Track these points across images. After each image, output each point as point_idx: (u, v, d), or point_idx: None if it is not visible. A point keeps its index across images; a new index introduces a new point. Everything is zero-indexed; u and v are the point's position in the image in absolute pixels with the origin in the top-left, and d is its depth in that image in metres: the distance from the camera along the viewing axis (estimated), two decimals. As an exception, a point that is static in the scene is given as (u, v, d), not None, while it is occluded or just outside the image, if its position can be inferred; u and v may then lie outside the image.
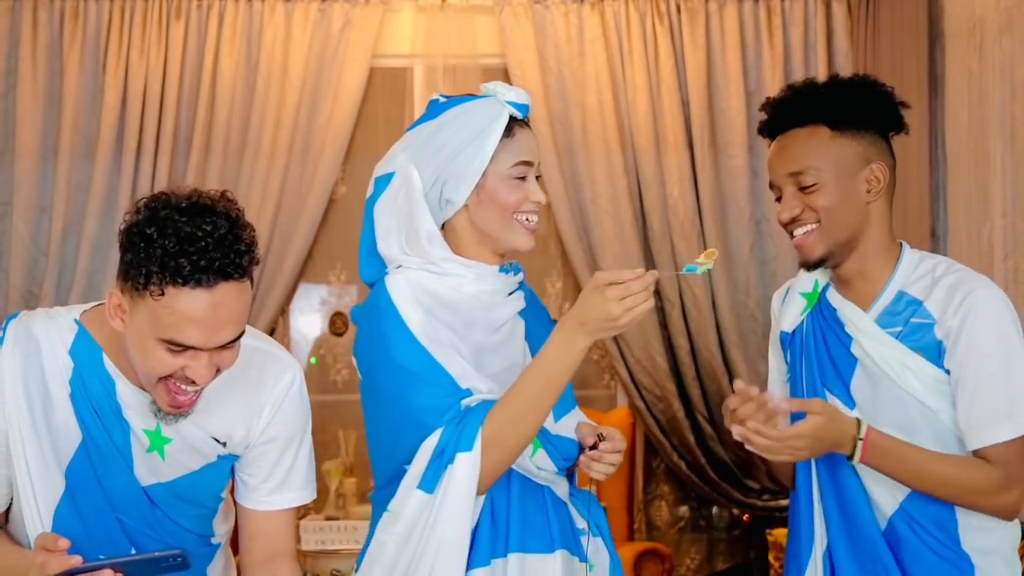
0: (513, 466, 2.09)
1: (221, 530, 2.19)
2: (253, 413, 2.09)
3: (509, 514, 2.11)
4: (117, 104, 4.76)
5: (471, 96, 2.18)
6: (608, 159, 4.88)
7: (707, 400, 4.97)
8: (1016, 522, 2.24)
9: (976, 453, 2.15)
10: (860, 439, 2.11)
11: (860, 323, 2.22)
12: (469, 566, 2.05)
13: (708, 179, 4.91)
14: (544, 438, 2.12)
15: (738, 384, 2.09)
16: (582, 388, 5.26)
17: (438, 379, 2.05)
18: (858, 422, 2.12)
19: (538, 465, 2.12)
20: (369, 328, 2.13)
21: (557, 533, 2.13)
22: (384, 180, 2.18)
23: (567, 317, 2.00)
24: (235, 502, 2.19)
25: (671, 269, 4.86)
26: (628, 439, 4.96)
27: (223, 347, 1.89)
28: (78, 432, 1.98)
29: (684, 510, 5.27)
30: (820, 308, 2.31)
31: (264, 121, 4.81)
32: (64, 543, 1.80)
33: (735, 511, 5.19)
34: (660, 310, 4.95)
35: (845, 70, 4.80)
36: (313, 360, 5.19)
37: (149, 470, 2.02)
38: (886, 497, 2.18)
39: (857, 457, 2.11)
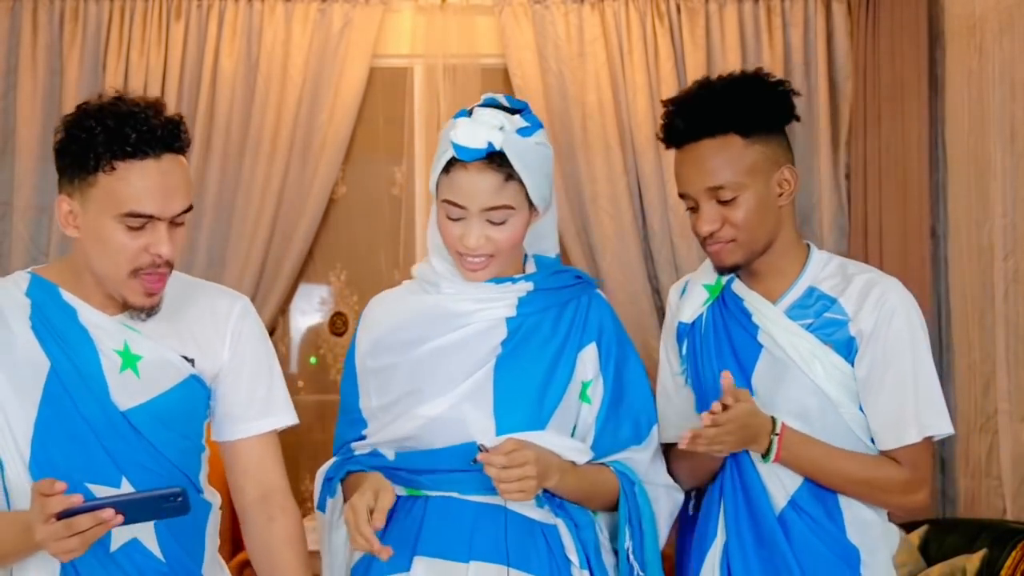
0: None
1: (209, 488, 2.20)
2: (215, 343, 2.15)
3: (421, 526, 2.14)
4: (117, 104, 4.76)
5: (463, 112, 2.16)
6: (608, 159, 4.88)
7: (707, 400, 4.97)
8: (894, 526, 2.31)
9: (885, 454, 2.21)
10: (776, 435, 2.16)
11: (769, 313, 2.25)
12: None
13: (708, 179, 4.91)
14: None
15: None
16: (582, 388, 5.26)
17: (352, 414, 2.25)
18: (772, 419, 2.17)
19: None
20: None
21: (485, 547, 2.10)
22: None
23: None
24: (223, 451, 2.22)
25: (671, 268, 4.87)
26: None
27: (176, 223, 2.00)
28: (45, 359, 2.01)
29: (684, 510, 5.27)
30: (723, 299, 2.32)
31: (264, 121, 4.81)
32: (61, 485, 1.83)
33: (735, 511, 5.18)
34: (660, 310, 4.95)
35: (845, 70, 4.80)
36: (313, 360, 5.19)
37: (126, 392, 2.04)
38: (778, 488, 2.22)
39: (772, 455, 2.16)
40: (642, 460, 2.25)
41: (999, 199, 4.15)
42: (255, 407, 2.20)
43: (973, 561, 3.64)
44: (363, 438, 2.25)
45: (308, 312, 5.20)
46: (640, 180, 4.90)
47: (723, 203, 2.20)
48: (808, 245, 2.34)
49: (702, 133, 2.21)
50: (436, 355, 2.16)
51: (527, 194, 2.11)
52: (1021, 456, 4.06)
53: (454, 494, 2.13)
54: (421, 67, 5.01)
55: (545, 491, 2.13)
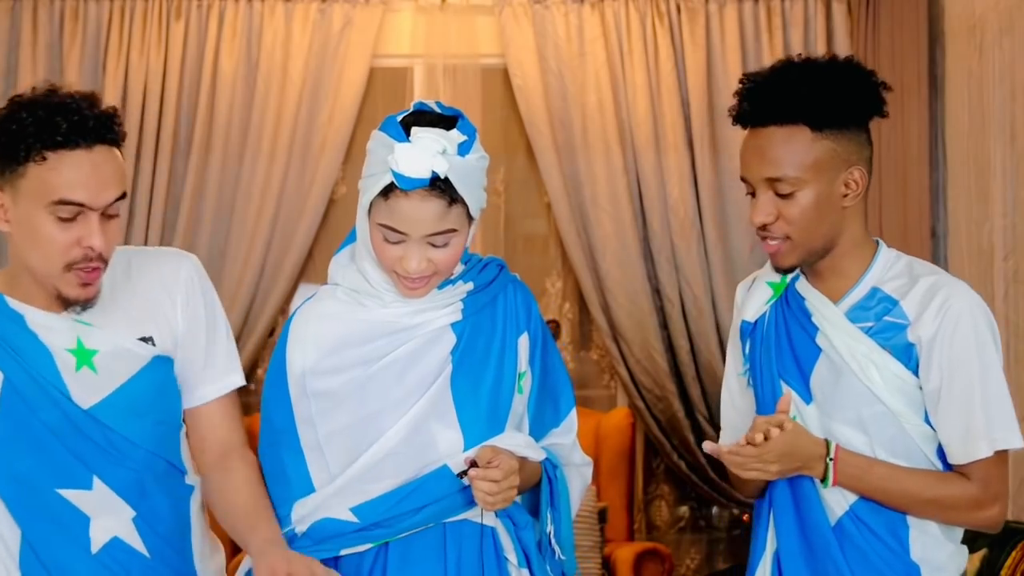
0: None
1: (191, 467, 2.17)
2: (168, 311, 2.11)
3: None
4: (117, 104, 4.74)
5: (396, 127, 2.02)
6: (608, 159, 4.88)
7: (707, 400, 4.97)
8: (964, 546, 2.19)
9: (956, 469, 2.09)
10: (831, 459, 2.05)
11: (828, 313, 2.13)
12: None
13: (708, 179, 4.91)
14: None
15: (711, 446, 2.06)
16: (582, 388, 5.26)
17: (285, 434, 2.11)
18: (826, 442, 2.07)
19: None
20: None
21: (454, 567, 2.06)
22: None
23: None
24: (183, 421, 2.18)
25: (671, 268, 4.87)
26: (628, 439, 4.97)
27: (108, 215, 1.96)
28: None
29: (684, 510, 5.27)
30: (786, 297, 2.21)
31: (264, 121, 4.81)
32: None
33: (735, 511, 5.19)
34: (660, 310, 4.95)
35: (845, 70, 4.79)
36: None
37: (86, 390, 2.01)
38: (836, 498, 2.11)
39: (830, 480, 2.06)
40: (566, 444, 2.21)
41: (999, 199, 4.15)
42: (214, 370, 2.15)
43: (973, 561, 3.63)
44: (307, 479, 2.09)
45: (308, 312, 5.19)
46: (640, 180, 4.90)
47: (781, 196, 2.08)
48: (877, 242, 2.19)
49: (769, 119, 2.08)
50: (387, 373, 2.07)
51: (468, 212, 2.04)
52: (1021, 456, 4.06)
53: (419, 529, 2.07)
54: (421, 67, 5.01)
55: None
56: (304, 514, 2.07)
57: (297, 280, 4.98)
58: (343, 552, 2.06)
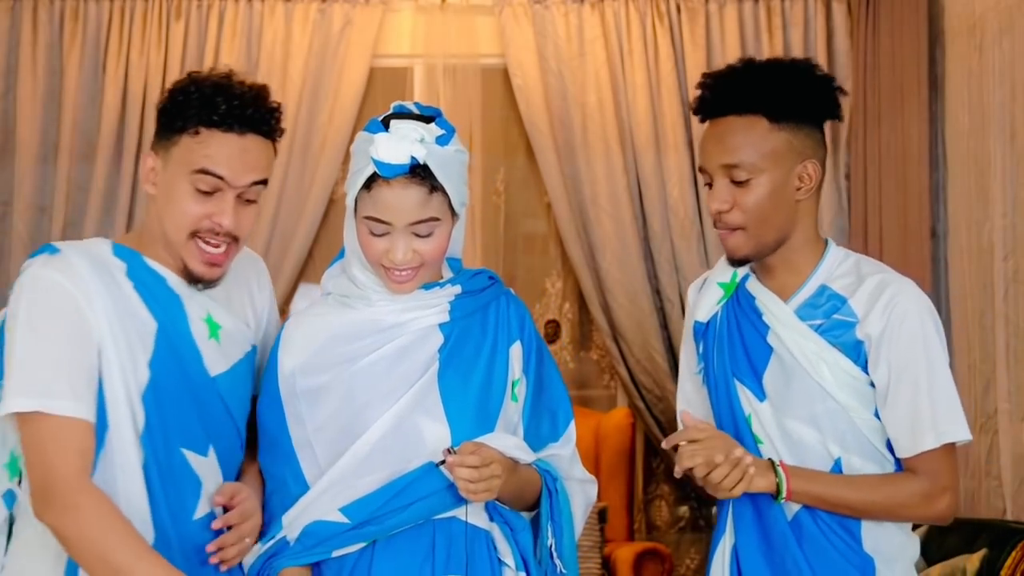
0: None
1: None
2: (256, 302, 2.23)
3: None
4: (117, 104, 4.76)
5: (376, 124, 2.09)
6: (608, 159, 4.88)
7: (707, 400, 4.96)
8: (915, 535, 2.24)
9: (905, 461, 2.14)
10: (779, 466, 2.11)
11: (779, 312, 2.18)
12: None
13: (708, 179, 4.91)
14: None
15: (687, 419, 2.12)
16: (583, 388, 5.27)
17: (281, 446, 2.13)
18: (771, 462, 2.12)
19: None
20: None
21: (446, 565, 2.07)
22: None
23: None
24: None
25: (671, 268, 4.87)
26: (628, 439, 4.97)
27: (246, 200, 2.04)
28: (152, 320, 2.02)
29: (684, 510, 5.27)
30: (737, 297, 2.25)
31: (264, 121, 4.81)
32: None
33: (735, 511, 5.18)
34: (660, 310, 4.95)
35: (845, 70, 4.80)
36: (313, 360, 5.19)
37: (212, 359, 2.07)
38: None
39: (784, 491, 2.10)
40: (563, 457, 2.23)
41: (999, 199, 4.15)
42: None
43: (973, 561, 3.64)
44: (301, 478, 2.11)
45: (308, 312, 5.19)
46: (640, 180, 4.90)
47: (737, 184, 2.14)
48: (826, 241, 2.25)
49: (729, 109, 2.15)
50: (374, 368, 2.10)
51: (450, 203, 2.08)
52: (1021, 456, 4.06)
53: (408, 527, 2.07)
54: (421, 67, 5.01)
55: None
56: (293, 517, 2.08)
57: (297, 280, 4.98)
58: (335, 553, 2.07)
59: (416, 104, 2.15)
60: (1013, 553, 3.56)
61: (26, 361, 1.93)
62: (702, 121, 2.22)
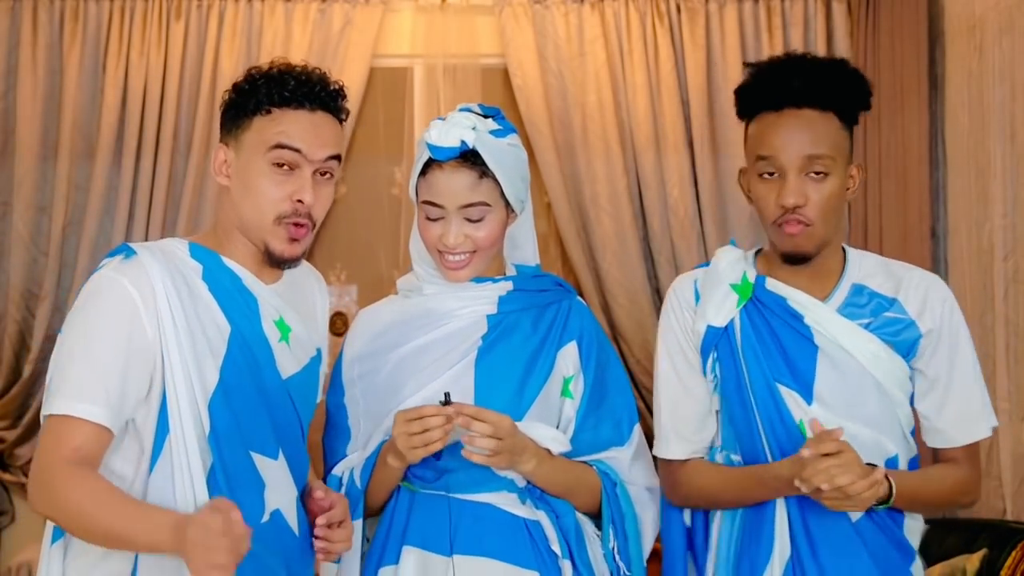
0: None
1: None
2: (317, 313, 2.26)
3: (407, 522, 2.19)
4: (117, 104, 4.75)
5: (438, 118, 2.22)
6: (608, 159, 4.88)
7: (707, 400, 4.96)
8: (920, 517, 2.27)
9: (944, 452, 2.18)
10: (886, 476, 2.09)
11: (823, 313, 2.17)
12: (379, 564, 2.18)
13: (708, 179, 4.90)
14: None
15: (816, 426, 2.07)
16: (582, 388, 5.26)
17: (339, 427, 2.29)
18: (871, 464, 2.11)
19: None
20: None
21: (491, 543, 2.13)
22: None
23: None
24: None
25: (671, 268, 4.86)
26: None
27: (323, 173, 2.07)
28: (226, 323, 2.02)
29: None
30: (758, 300, 2.21)
31: (264, 121, 4.81)
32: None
33: (735, 511, 5.18)
34: (660, 310, 4.94)
35: (845, 70, 4.79)
36: (313, 360, 5.19)
37: (284, 361, 2.09)
38: None
39: (893, 496, 2.09)
40: (623, 459, 2.28)
41: (999, 199, 4.15)
42: None
43: (973, 561, 3.64)
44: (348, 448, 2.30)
45: (308, 312, 5.20)
46: (640, 180, 4.90)
47: (813, 177, 2.11)
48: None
49: (814, 101, 2.14)
50: (418, 352, 2.21)
51: (502, 192, 2.17)
52: (1021, 456, 4.06)
53: (440, 492, 2.18)
54: (421, 67, 5.01)
55: (527, 484, 2.18)
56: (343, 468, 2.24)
57: (297, 280, 4.98)
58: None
59: (480, 105, 2.25)
60: (1013, 553, 3.56)
61: (71, 365, 1.93)
62: (756, 113, 2.20)
